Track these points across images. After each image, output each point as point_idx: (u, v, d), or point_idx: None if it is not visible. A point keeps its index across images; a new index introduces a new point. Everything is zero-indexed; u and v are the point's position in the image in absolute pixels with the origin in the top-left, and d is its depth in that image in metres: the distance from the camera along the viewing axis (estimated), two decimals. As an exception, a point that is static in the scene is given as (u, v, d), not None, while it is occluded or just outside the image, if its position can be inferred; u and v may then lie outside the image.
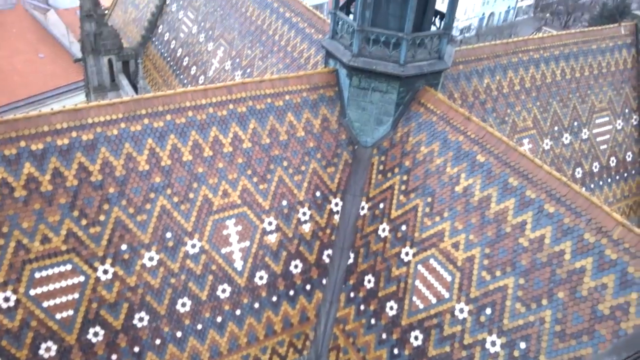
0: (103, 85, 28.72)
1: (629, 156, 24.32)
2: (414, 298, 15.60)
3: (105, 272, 14.39)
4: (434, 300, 15.18)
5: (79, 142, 14.13)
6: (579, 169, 22.61)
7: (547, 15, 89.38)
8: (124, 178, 14.59)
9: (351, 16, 17.66)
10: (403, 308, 15.79)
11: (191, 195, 15.37)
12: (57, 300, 13.92)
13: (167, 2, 28.70)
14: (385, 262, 16.48)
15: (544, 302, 13.18)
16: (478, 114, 19.36)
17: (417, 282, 15.61)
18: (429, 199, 15.86)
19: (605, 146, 23.50)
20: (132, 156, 14.72)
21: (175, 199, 15.18)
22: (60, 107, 14.42)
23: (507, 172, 14.66)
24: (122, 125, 14.66)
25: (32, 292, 13.65)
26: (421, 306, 15.41)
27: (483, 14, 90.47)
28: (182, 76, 25.97)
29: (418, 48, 16.60)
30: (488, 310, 14.02)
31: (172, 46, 27.39)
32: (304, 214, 16.96)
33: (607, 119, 23.45)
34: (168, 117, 15.23)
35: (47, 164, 13.79)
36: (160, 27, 28.77)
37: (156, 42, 28.71)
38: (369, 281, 16.73)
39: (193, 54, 25.72)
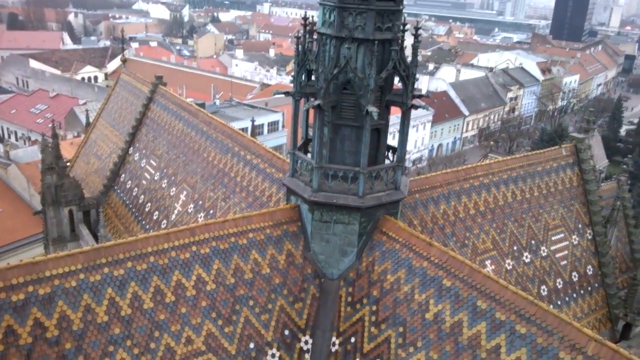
0: (63, 237, 28.28)
1: (589, 270, 24.83)
2: None
3: None
4: None
5: (35, 297, 13.57)
6: (543, 287, 22.82)
7: (492, 143, 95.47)
8: (81, 332, 13.85)
9: (309, 155, 18.48)
10: None
11: (152, 345, 14.60)
12: None
13: (130, 152, 29.52)
14: (362, 401, 15.60)
15: None
16: (439, 239, 19.76)
17: (398, 421, 14.72)
18: (401, 329, 15.52)
19: (565, 262, 24.02)
20: (91, 308, 14.13)
21: (136, 351, 14.37)
22: (17, 261, 14.02)
23: (475, 295, 14.67)
24: (81, 276, 14.25)
25: None
26: None
27: (432, 146, 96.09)
28: (144, 222, 25.94)
29: (375, 180, 17.31)
30: None
31: (134, 193, 27.67)
32: (273, 355, 16.22)
33: (562, 235, 24.24)
34: (129, 264, 14.94)
35: (0, 322, 13.06)
36: (123, 175, 29.26)
37: (118, 191, 29.00)
38: None
39: (155, 200, 25.97)
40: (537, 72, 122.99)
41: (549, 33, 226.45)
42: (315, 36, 16.95)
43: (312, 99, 16.83)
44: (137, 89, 31.99)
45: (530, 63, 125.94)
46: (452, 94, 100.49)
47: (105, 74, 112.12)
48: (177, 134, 26.92)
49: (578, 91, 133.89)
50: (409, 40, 15.99)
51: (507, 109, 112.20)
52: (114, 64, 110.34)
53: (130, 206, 27.44)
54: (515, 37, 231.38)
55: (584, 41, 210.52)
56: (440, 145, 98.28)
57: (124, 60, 36.94)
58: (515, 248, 22.32)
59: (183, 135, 26.49)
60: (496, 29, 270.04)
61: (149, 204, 26.24)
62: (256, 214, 17.65)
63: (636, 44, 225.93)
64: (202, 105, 40.74)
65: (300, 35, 16.87)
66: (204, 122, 25.74)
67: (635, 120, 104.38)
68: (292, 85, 17.36)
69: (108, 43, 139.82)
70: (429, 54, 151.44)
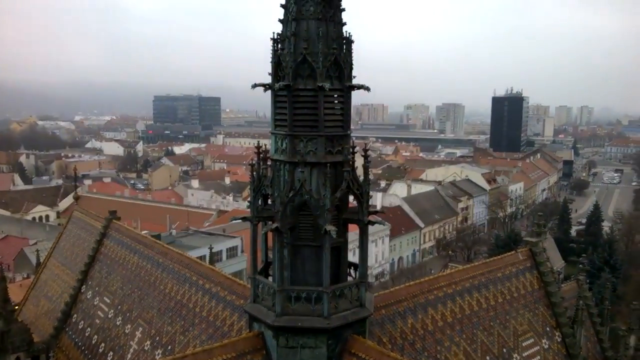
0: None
1: (565, 375, 24.31)
2: None
3: None
4: None
5: None
6: (522, 397, 22.05)
7: (450, 252, 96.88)
8: None
9: (270, 278, 18.15)
10: None
11: None
12: None
13: (82, 290, 28.26)
14: None
15: None
16: (410, 355, 19.16)
17: None
18: None
19: (539, 368, 23.51)
20: None
21: None
22: None
23: (454, 413, 13.98)
24: None
25: None
26: None
27: (393, 259, 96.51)
28: (97, 365, 24.21)
29: (339, 299, 16.99)
30: None
31: (87, 334, 26.09)
32: None
33: (532, 340, 23.95)
34: (81, 414, 13.69)
35: None
36: (75, 315, 27.74)
37: (70, 332, 27.30)
38: None
39: (110, 339, 24.49)
40: (483, 183, 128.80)
41: (489, 146, 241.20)
42: (269, 162, 17.44)
43: (269, 223, 16.90)
44: (90, 225, 31.45)
45: (476, 174, 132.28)
46: (406, 207, 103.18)
47: (57, 213, 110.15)
48: (131, 268, 26.14)
49: (524, 197, 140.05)
50: (359, 161, 16.66)
51: (459, 218, 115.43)
52: (66, 202, 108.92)
53: (83, 348, 25.72)
54: (458, 151, 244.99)
55: (522, 151, 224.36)
56: (400, 258, 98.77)
57: (77, 198, 36.68)
58: (488, 358, 21.79)
59: (138, 268, 25.74)
60: (439, 146, 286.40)
61: (102, 344, 24.67)
62: (217, 345, 16.81)
63: (571, 150, 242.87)
64: (158, 237, 40.18)
65: (254, 162, 17.33)
66: (160, 254, 25.22)
67: (583, 220, 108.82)
68: (249, 210, 17.47)
69: (60, 182, 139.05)
70: (380, 172, 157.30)
